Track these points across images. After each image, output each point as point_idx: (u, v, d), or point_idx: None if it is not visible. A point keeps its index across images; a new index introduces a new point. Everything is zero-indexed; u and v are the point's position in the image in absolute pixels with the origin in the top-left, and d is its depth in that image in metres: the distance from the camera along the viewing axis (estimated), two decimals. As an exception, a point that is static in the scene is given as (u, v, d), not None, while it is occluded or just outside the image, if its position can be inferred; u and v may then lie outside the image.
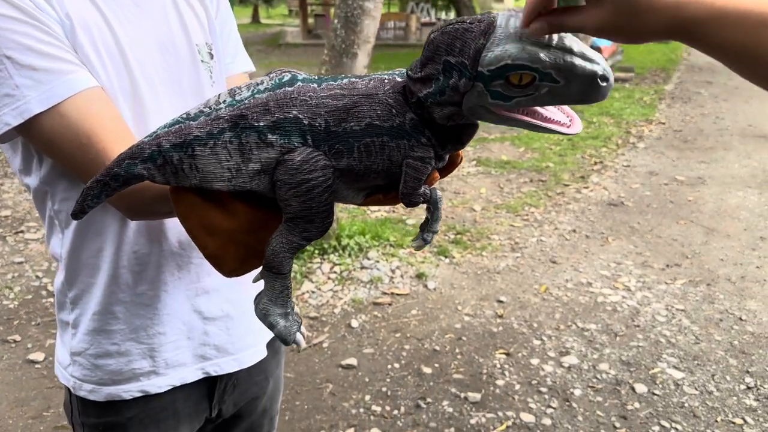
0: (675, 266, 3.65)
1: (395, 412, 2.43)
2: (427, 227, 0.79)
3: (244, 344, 1.09)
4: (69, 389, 1.03)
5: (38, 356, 2.79)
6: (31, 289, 3.41)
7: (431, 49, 0.63)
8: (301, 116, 0.67)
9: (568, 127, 0.64)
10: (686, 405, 2.45)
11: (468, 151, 6.02)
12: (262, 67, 12.50)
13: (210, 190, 0.72)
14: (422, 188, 0.71)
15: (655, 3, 0.53)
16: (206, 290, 1.02)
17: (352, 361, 2.72)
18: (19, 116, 0.79)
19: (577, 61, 0.57)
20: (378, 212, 4.43)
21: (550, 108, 0.65)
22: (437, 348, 2.83)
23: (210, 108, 0.69)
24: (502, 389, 2.54)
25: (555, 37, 0.58)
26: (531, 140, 6.46)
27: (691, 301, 3.24)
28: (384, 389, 2.55)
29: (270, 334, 1.13)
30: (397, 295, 3.31)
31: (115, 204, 0.85)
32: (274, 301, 0.73)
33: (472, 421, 2.36)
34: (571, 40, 0.59)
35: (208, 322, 1.03)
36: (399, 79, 0.69)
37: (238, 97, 0.69)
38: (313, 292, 3.28)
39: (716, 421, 2.36)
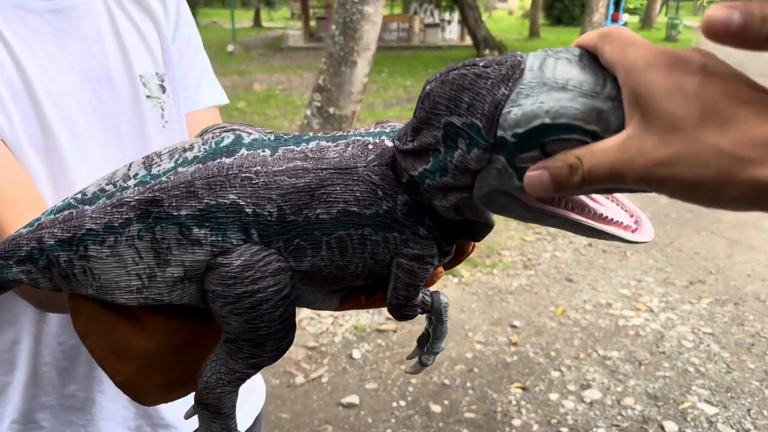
0: (699, 283, 3.42)
1: (401, 458, 2.21)
2: (427, 345, 0.58)
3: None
4: None
5: None
6: None
7: (427, 107, 0.41)
8: (241, 202, 0.45)
9: (633, 231, 0.41)
10: (723, 447, 2.23)
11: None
12: (264, 72, 12.25)
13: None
14: (420, 296, 0.50)
15: None
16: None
17: (354, 398, 2.50)
18: None
19: None
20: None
21: (603, 200, 0.43)
22: (446, 381, 2.61)
23: (115, 186, 0.47)
24: (519, 430, 2.31)
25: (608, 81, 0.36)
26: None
27: (719, 323, 3.01)
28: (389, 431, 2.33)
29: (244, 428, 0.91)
30: (403, 320, 3.08)
31: (17, 293, 0.64)
32: None
33: (487, 469, 2.14)
34: None
35: (161, 428, 0.81)
36: (389, 143, 0.47)
37: (154, 170, 0.47)
38: (312, 318, 3.06)
39: (758, 466, 2.13)
